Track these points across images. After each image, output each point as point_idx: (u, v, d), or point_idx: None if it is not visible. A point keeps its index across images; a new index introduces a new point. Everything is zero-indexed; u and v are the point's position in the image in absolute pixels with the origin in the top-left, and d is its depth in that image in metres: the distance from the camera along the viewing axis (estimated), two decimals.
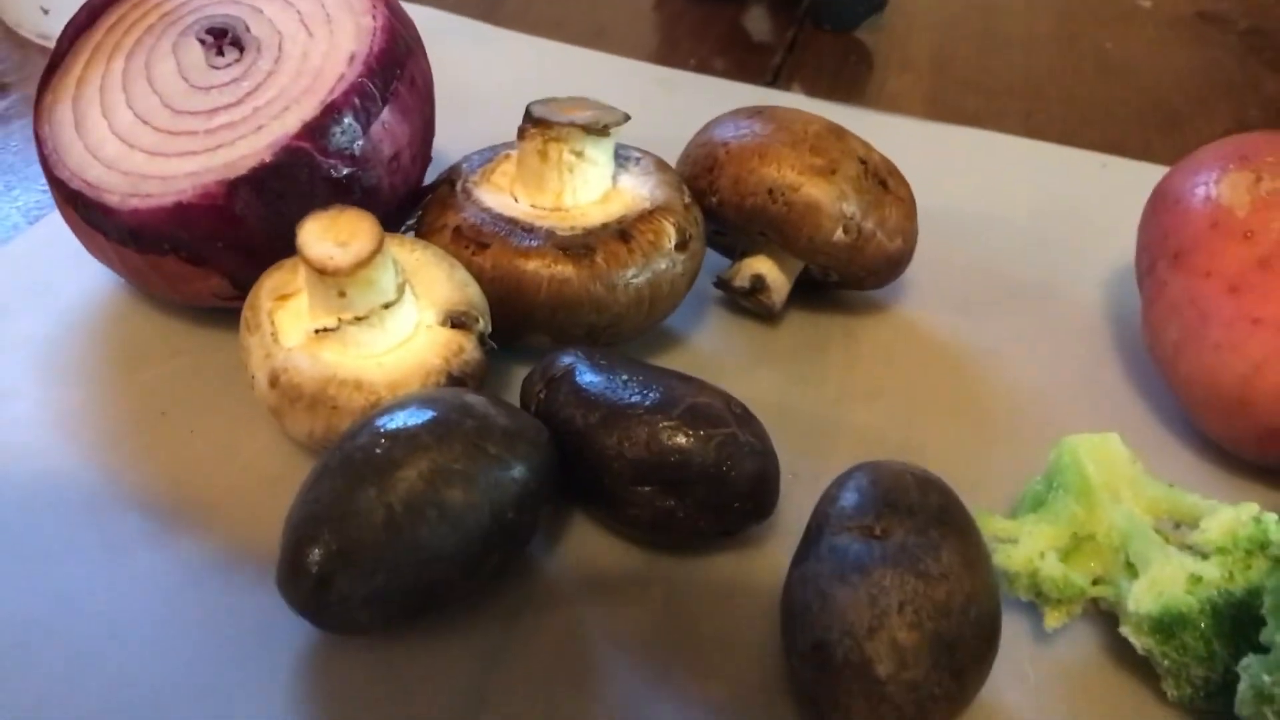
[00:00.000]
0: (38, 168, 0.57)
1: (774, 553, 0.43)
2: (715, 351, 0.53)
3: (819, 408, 0.50)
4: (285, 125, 0.44)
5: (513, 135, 0.48)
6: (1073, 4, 0.93)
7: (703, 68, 0.78)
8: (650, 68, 0.77)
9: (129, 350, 0.48)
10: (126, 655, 0.37)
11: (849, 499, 0.38)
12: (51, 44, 0.67)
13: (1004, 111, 0.76)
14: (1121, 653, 0.40)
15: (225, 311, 0.49)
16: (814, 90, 0.76)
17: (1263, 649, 0.34)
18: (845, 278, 0.53)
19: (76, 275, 0.51)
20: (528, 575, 0.41)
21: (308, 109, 0.44)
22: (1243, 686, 0.34)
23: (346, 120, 0.44)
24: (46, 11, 0.68)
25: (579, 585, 0.41)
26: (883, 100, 0.76)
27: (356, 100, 0.45)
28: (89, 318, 0.49)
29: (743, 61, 0.80)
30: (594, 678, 0.38)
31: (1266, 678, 0.33)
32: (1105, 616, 0.41)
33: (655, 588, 0.41)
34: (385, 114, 0.46)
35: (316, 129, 0.44)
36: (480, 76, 0.71)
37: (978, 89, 0.79)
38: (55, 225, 0.54)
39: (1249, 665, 0.34)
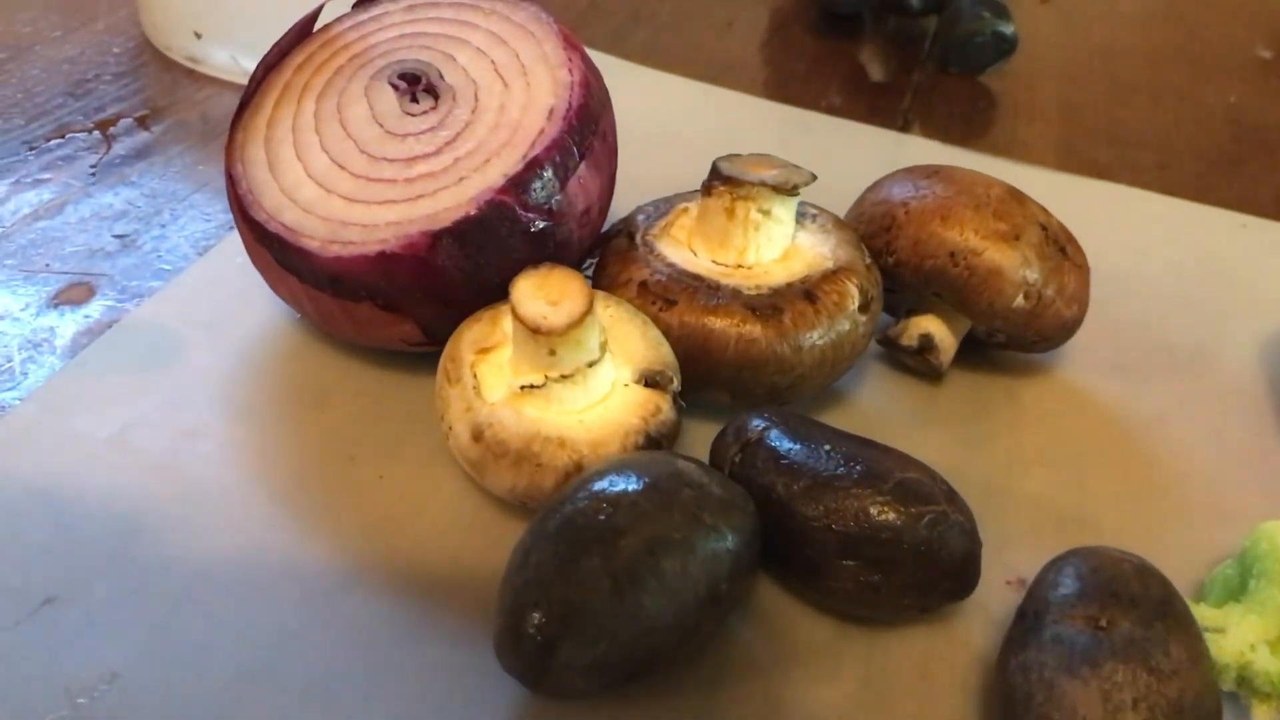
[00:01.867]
0: (201, 195, 0.58)
1: (966, 627, 0.42)
2: (880, 411, 0.52)
3: (989, 474, 0.50)
4: (487, 178, 0.44)
5: (651, 173, 0.48)
6: (1194, 52, 0.93)
7: (828, 108, 0.78)
8: (781, 108, 0.77)
9: (310, 389, 0.48)
10: (341, 706, 0.37)
11: (1069, 586, 0.38)
12: (202, 69, 0.68)
13: (1136, 164, 0.76)
14: None
15: (405, 354, 0.49)
16: (946, 136, 0.76)
17: None
18: (1014, 341, 0.52)
19: (251, 310, 0.52)
20: (726, 643, 0.41)
21: (509, 162, 0.44)
22: None
23: (547, 175, 0.44)
24: (199, 36, 0.69)
25: (776, 656, 0.41)
26: (1014, 149, 0.76)
27: (557, 156, 0.45)
28: (266, 354, 0.50)
29: (869, 104, 0.79)
30: None
31: None
32: None
33: (850, 663, 0.41)
34: (581, 169, 0.46)
35: (519, 183, 0.44)
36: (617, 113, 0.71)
37: (1108, 139, 0.78)
38: (224, 258, 0.55)
39: None
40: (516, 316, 0.40)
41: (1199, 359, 0.58)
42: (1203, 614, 0.40)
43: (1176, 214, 0.71)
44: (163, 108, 0.66)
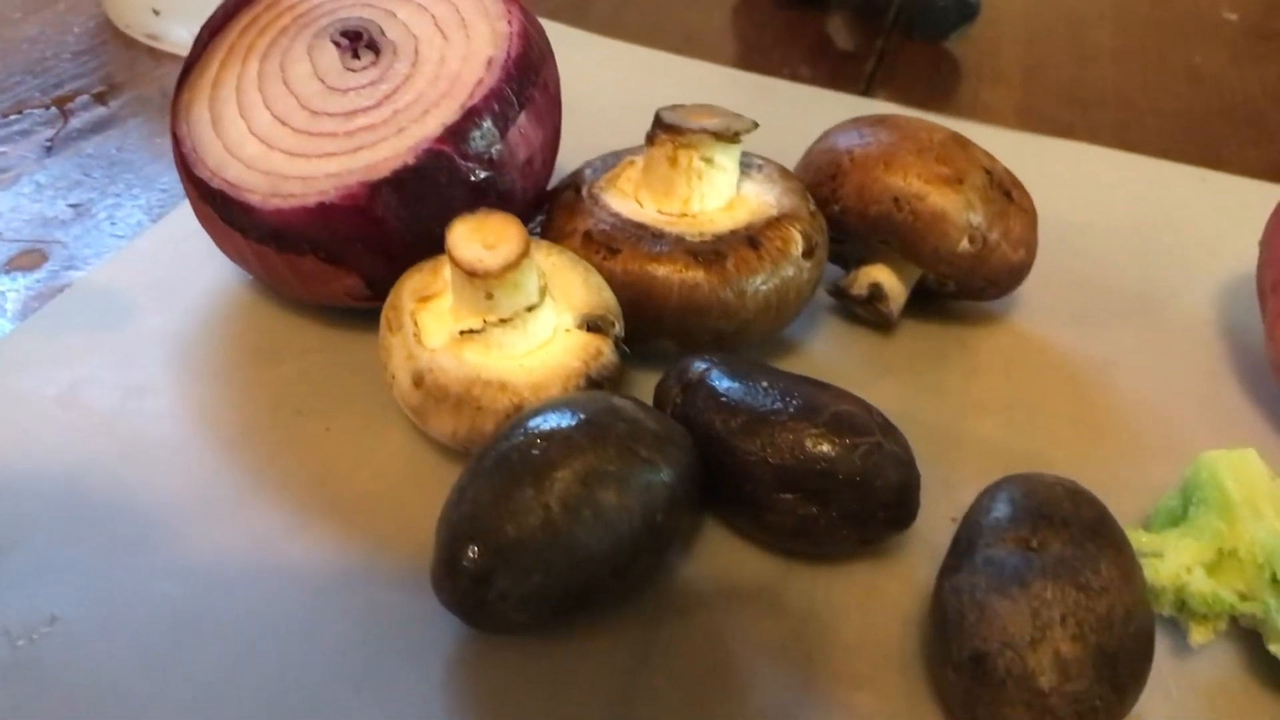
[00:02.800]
0: (157, 166, 0.58)
1: (909, 562, 0.43)
2: (832, 360, 0.53)
3: (941, 419, 0.50)
4: (426, 128, 0.44)
5: (613, 143, 0.48)
6: (1159, 16, 0.93)
7: (793, 76, 0.78)
8: (745, 76, 0.77)
9: (260, 347, 0.49)
10: (283, 648, 0.37)
11: (1001, 511, 0.38)
12: (161, 45, 0.69)
13: (1098, 124, 0.76)
14: (1266, 671, 0.40)
15: (353, 311, 0.49)
16: (907, 100, 0.76)
17: None
18: (964, 288, 0.52)
19: (202, 273, 0.52)
20: (667, 581, 0.41)
21: (448, 112, 0.45)
22: None
23: (485, 124, 0.45)
24: (158, 13, 0.69)
25: (718, 592, 0.41)
26: (976, 111, 0.76)
27: (495, 105, 0.45)
28: (217, 315, 0.50)
29: (833, 71, 0.80)
30: (740, 685, 0.38)
31: None
32: (1246, 634, 0.41)
33: (793, 596, 0.41)
34: (521, 119, 0.46)
35: (457, 133, 0.44)
36: (576, 83, 0.71)
37: (1070, 101, 0.78)
38: (178, 223, 0.55)
39: None
40: (453, 260, 0.40)
41: (1152, 306, 0.58)
42: (1140, 540, 0.40)
43: (1137, 170, 0.71)
44: (121, 84, 0.66)
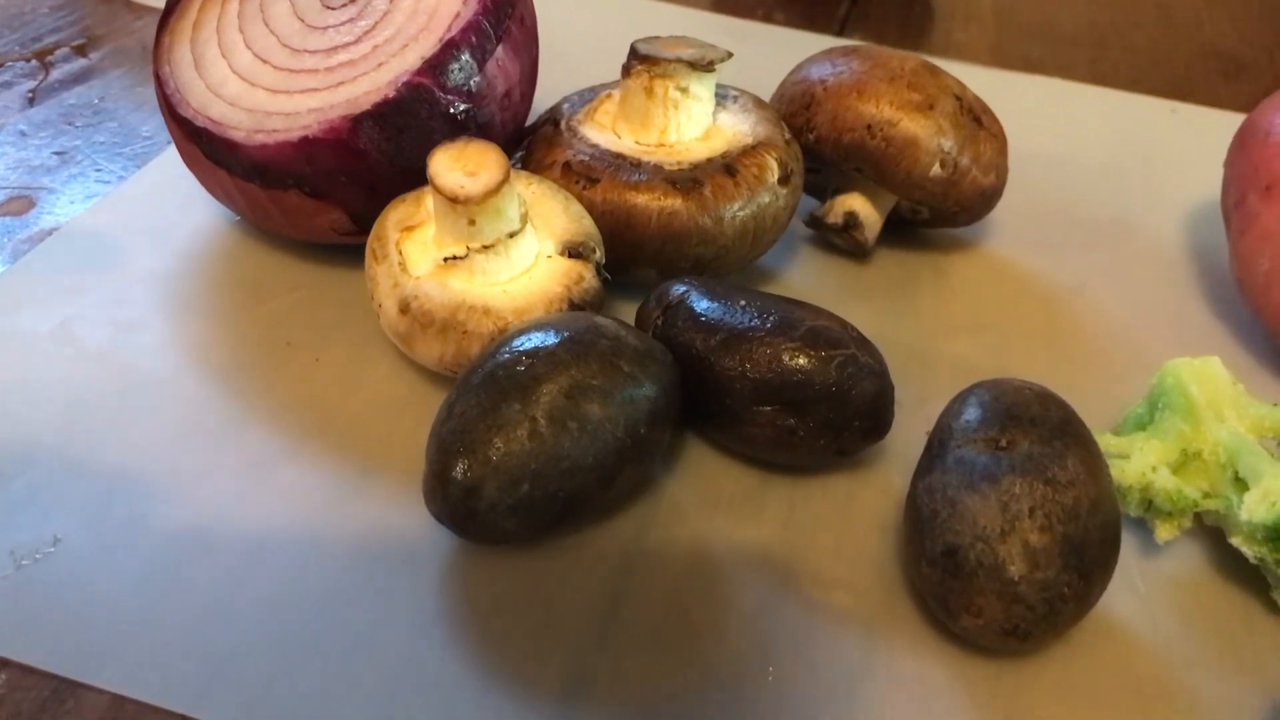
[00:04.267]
0: (139, 115, 0.59)
1: (885, 474, 0.44)
2: (809, 287, 0.54)
3: (915, 340, 0.51)
4: (405, 62, 0.45)
5: (591, 83, 0.49)
6: None
7: (767, 19, 0.79)
8: (718, 18, 0.78)
9: (248, 284, 0.49)
10: (280, 565, 0.38)
11: (971, 414, 0.39)
12: None
13: (1069, 61, 0.77)
14: (1230, 566, 0.41)
15: (340, 248, 0.50)
16: (880, 40, 0.77)
17: None
18: (937, 214, 0.54)
19: (189, 215, 0.53)
20: (652, 494, 0.42)
21: (427, 46, 0.45)
22: None
23: (464, 57, 0.45)
24: None
25: (701, 504, 0.42)
26: (950, 50, 0.77)
27: (473, 38, 0.46)
28: (205, 255, 0.51)
29: (807, 13, 0.80)
30: (722, 587, 0.39)
31: None
32: (1211, 532, 0.43)
33: (773, 506, 0.43)
34: (499, 51, 0.47)
35: (436, 65, 0.45)
36: (555, 28, 0.72)
37: (1042, 38, 0.79)
38: (164, 169, 0.56)
39: None
40: (435, 187, 0.41)
41: (1122, 231, 0.59)
42: (1108, 442, 0.42)
43: (1107, 103, 0.72)
44: (100, 36, 0.67)
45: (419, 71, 0.45)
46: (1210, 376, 0.43)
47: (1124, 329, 0.53)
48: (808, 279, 0.54)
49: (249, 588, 0.38)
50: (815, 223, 0.55)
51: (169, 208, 0.53)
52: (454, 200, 0.41)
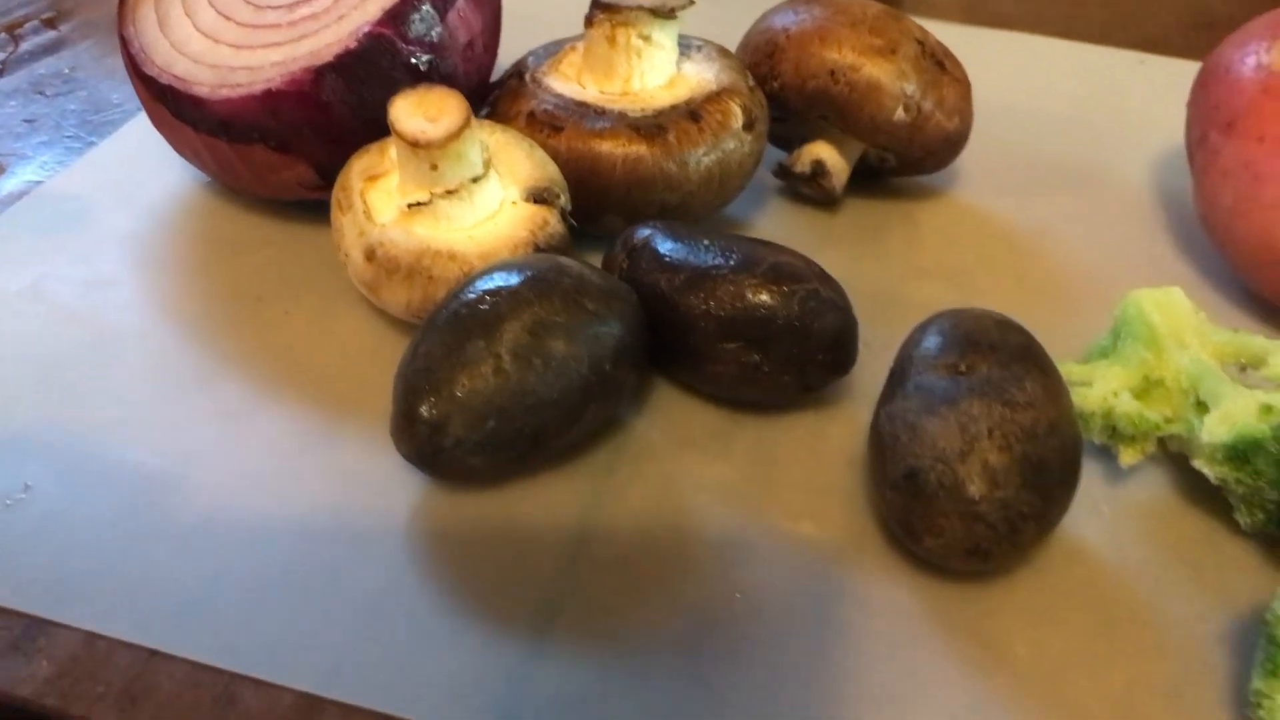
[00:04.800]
0: (109, 83, 0.59)
1: (851, 411, 0.44)
2: (778, 236, 0.54)
3: (884, 283, 0.51)
4: (367, 13, 0.45)
5: (555, 39, 0.50)
6: None
7: None
8: None
9: (219, 242, 0.50)
10: (255, 505, 0.39)
11: (932, 342, 0.39)
12: None
13: (1042, 17, 0.77)
14: (1193, 490, 0.42)
15: (310, 204, 0.50)
16: None
17: None
18: (903, 160, 0.54)
19: (160, 178, 0.53)
20: (620, 434, 0.43)
21: None
22: None
23: (425, 7, 0.46)
24: None
25: (669, 442, 0.43)
26: (921, 8, 0.77)
27: None
28: (176, 214, 0.51)
29: None
30: (690, 521, 0.40)
31: None
32: (1175, 458, 0.43)
33: (740, 443, 0.43)
34: (461, 2, 0.47)
35: (397, 16, 0.45)
36: None
37: None
38: (134, 134, 0.56)
39: None
40: (396, 133, 0.42)
41: (1090, 177, 0.60)
42: (1071, 370, 0.42)
43: (1079, 56, 0.72)
44: (69, 9, 0.67)
45: (379, 22, 0.45)
46: (1172, 305, 0.44)
47: (1091, 269, 0.53)
48: (777, 228, 0.55)
49: (221, 529, 0.38)
50: (783, 172, 0.55)
51: (140, 171, 0.54)
52: (415, 145, 0.41)
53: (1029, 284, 0.52)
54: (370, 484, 0.40)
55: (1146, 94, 0.68)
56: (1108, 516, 0.41)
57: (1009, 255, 0.54)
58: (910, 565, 0.39)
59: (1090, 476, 0.42)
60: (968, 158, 0.60)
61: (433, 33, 0.46)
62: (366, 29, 0.45)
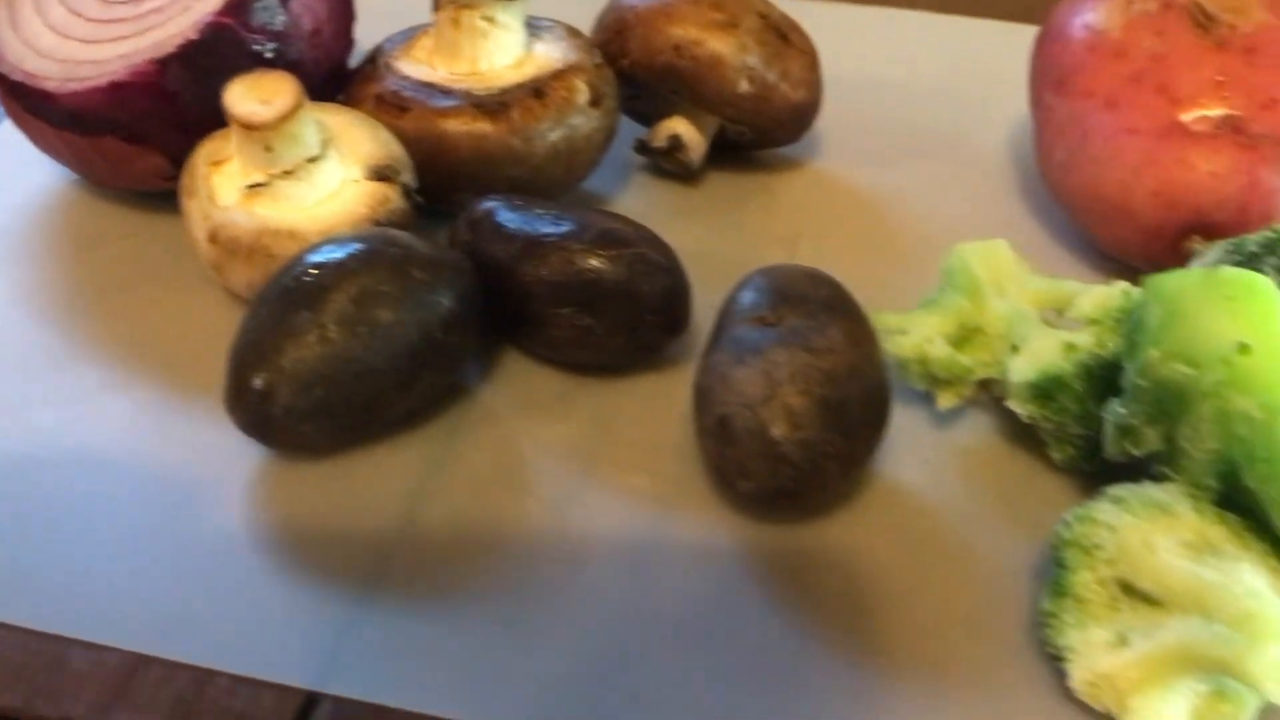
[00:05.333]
0: None
1: (691, 371, 0.46)
2: (639, 209, 0.55)
3: (738, 252, 0.53)
4: (209, 4, 0.47)
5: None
6: None
7: None
8: None
9: (82, 234, 0.51)
10: (103, 484, 0.40)
11: (747, 297, 0.41)
12: None
13: None
14: (1013, 431, 0.43)
15: (171, 196, 0.51)
16: None
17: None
18: (757, 133, 0.56)
19: (22, 177, 0.54)
20: (464, 401, 0.44)
21: None
22: (1107, 426, 0.38)
23: None
24: None
25: (512, 407, 0.44)
26: None
27: None
28: (41, 210, 0.52)
29: None
30: (527, 478, 0.41)
31: (1123, 410, 0.37)
32: (999, 405, 0.45)
33: (582, 405, 0.44)
34: None
35: (238, 6, 0.46)
36: None
37: None
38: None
39: (1110, 406, 0.38)
40: (230, 116, 0.43)
41: (949, 145, 0.61)
42: (887, 320, 0.44)
43: (950, 29, 0.74)
44: None
45: (221, 12, 0.46)
46: (995, 256, 0.45)
47: (941, 230, 0.55)
48: (639, 202, 0.56)
49: (60, 503, 0.39)
50: (642, 148, 0.57)
51: (3, 169, 0.54)
52: (248, 127, 0.43)
53: (879, 247, 0.54)
54: (212, 456, 0.41)
55: (1013, 63, 0.69)
56: (931, 459, 0.43)
57: (860, 220, 0.55)
58: (732, 510, 0.40)
59: (915, 422, 0.44)
60: (830, 129, 0.61)
61: (276, 21, 0.47)
62: (208, 19, 0.46)
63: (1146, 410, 0.36)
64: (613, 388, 0.45)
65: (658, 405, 0.44)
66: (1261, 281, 0.33)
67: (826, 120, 0.61)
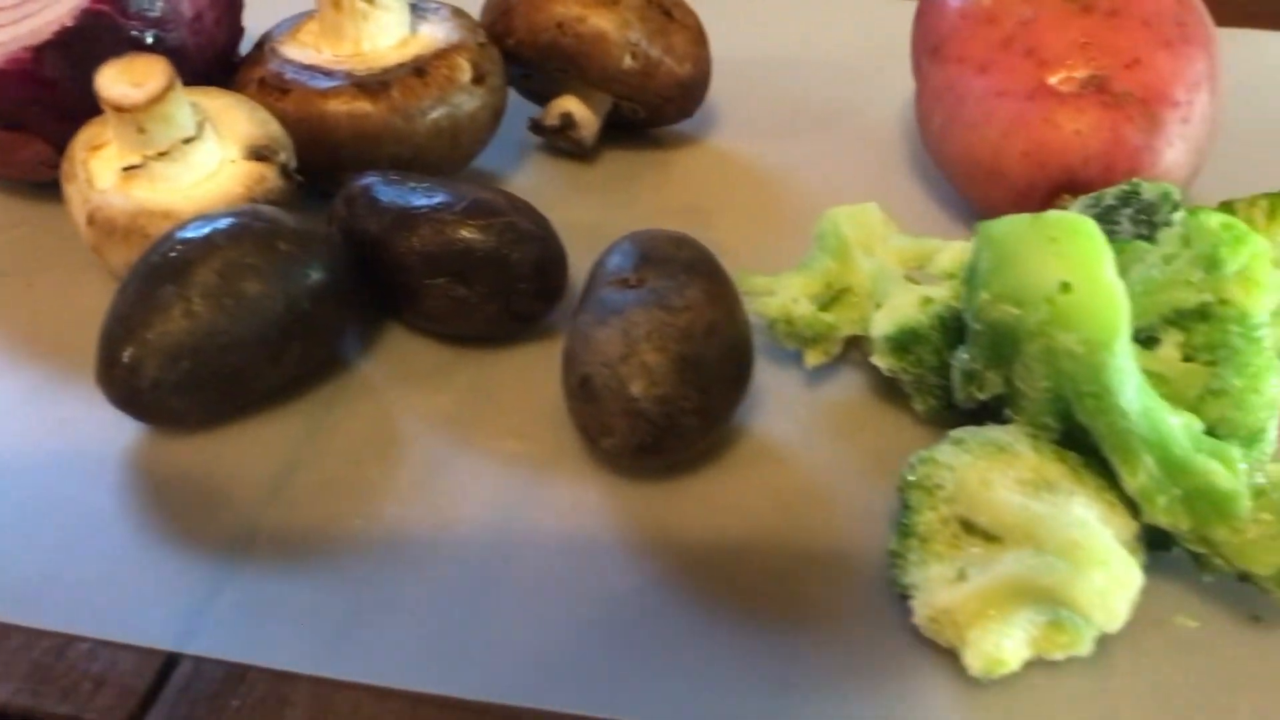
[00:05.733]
0: None
1: None
2: (534, 187, 0.56)
3: (630, 224, 0.53)
4: None
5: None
6: None
7: None
8: None
9: None
10: None
11: (613, 261, 0.42)
12: None
13: None
14: (881, 388, 0.44)
15: (57, 185, 0.52)
16: None
17: None
18: (648, 109, 0.56)
19: None
20: (343, 373, 0.45)
21: None
22: (954, 373, 0.39)
23: None
24: None
25: (391, 379, 0.45)
26: None
27: None
28: None
29: None
30: (401, 447, 0.42)
31: (966, 356, 0.38)
32: (868, 361, 0.45)
33: (460, 375, 0.45)
34: None
35: None
36: None
37: None
38: None
39: (957, 353, 0.39)
40: (101, 100, 0.43)
41: (845, 118, 0.62)
42: (754, 282, 0.45)
43: (842, 3, 0.74)
44: None
45: None
46: (865, 220, 0.46)
47: (830, 200, 0.54)
48: (535, 180, 0.57)
49: None
50: (536, 127, 0.57)
51: None
52: (119, 110, 0.43)
53: (767, 217, 0.55)
54: (89, 432, 0.42)
55: (904, 36, 0.71)
56: (801, 416, 0.44)
57: (751, 192, 0.56)
58: (604, 470, 0.41)
59: (787, 380, 0.45)
60: (724, 106, 0.62)
61: (154, 7, 0.48)
62: (84, 6, 0.47)
63: (985, 354, 0.37)
64: (492, 357, 0.46)
65: (535, 372, 0.45)
66: (1084, 223, 0.34)
67: (721, 97, 0.62)
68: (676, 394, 0.38)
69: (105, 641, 0.35)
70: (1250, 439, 0.36)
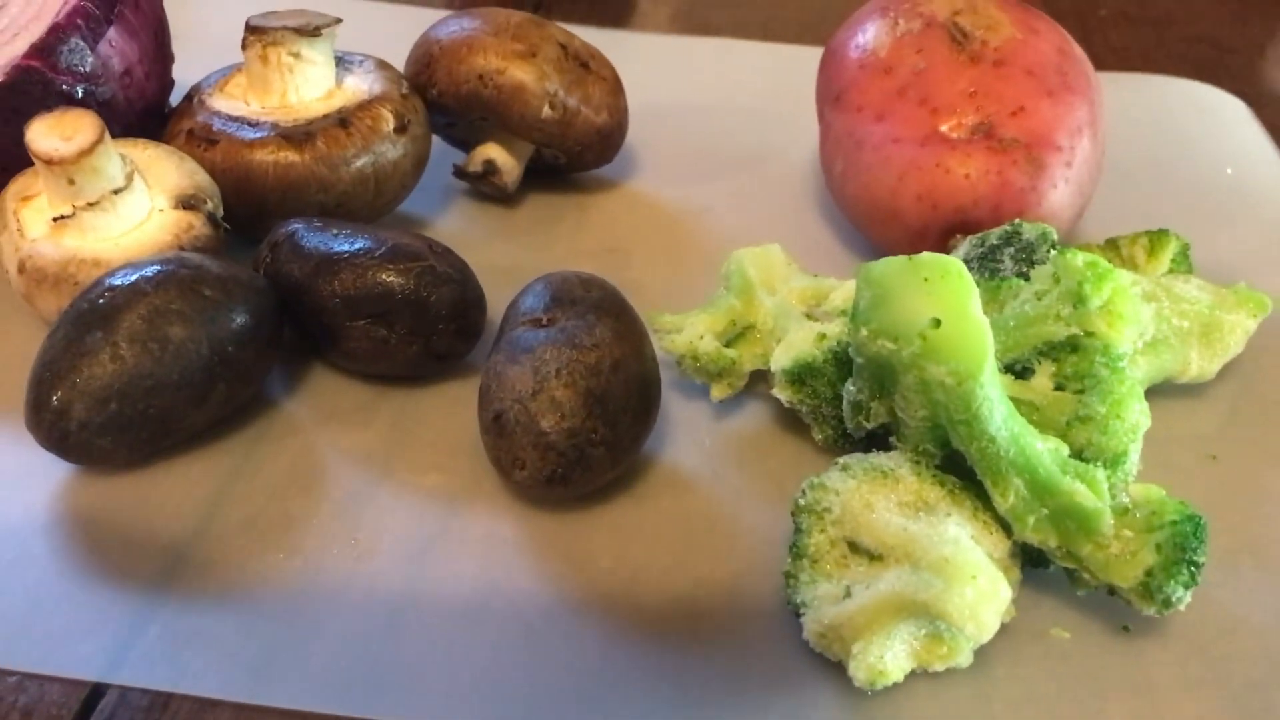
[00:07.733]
0: None
1: None
2: (458, 232, 0.59)
3: (549, 265, 0.55)
4: (15, 49, 0.49)
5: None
6: None
7: (465, 3, 0.84)
8: (409, 10, 0.82)
9: None
10: None
11: (526, 301, 0.44)
12: None
13: (744, 23, 0.84)
14: (785, 420, 0.47)
15: None
16: (568, 17, 0.83)
17: None
18: (567, 156, 0.59)
19: None
20: (268, 412, 0.46)
21: (36, 32, 0.49)
22: (845, 405, 0.41)
23: (73, 40, 0.49)
24: None
25: (315, 418, 0.47)
26: (636, 21, 0.83)
27: (80, 21, 0.50)
28: None
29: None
30: (324, 482, 0.44)
31: (853, 388, 0.40)
32: (772, 397, 0.48)
33: (383, 413, 0.47)
34: (112, 33, 0.51)
35: (44, 48, 0.49)
36: (200, 13, 0.75)
37: (722, 6, 0.86)
38: None
39: (846, 386, 0.41)
40: (32, 152, 0.45)
41: (759, 162, 0.65)
42: (662, 320, 0.47)
43: (770, 55, 0.78)
44: None
45: (27, 55, 0.48)
46: (767, 259, 0.49)
47: (741, 241, 0.58)
48: (459, 225, 0.59)
49: None
50: (459, 173, 0.60)
51: None
52: (50, 162, 0.45)
53: (681, 257, 0.57)
54: (17, 475, 0.43)
55: (813, 84, 0.74)
56: (709, 447, 0.46)
57: (668, 233, 0.59)
58: (517, 501, 0.43)
59: (696, 413, 0.47)
60: (642, 151, 0.65)
61: (85, 63, 0.50)
62: (15, 62, 0.48)
63: (869, 386, 0.39)
64: (414, 395, 0.48)
65: (456, 410, 0.47)
66: (954, 264, 0.37)
67: (639, 142, 0.65)
68: (585, 427, 0.40)
69: (33, 674, 0.36)
70: (1114, 461, 0.39)
